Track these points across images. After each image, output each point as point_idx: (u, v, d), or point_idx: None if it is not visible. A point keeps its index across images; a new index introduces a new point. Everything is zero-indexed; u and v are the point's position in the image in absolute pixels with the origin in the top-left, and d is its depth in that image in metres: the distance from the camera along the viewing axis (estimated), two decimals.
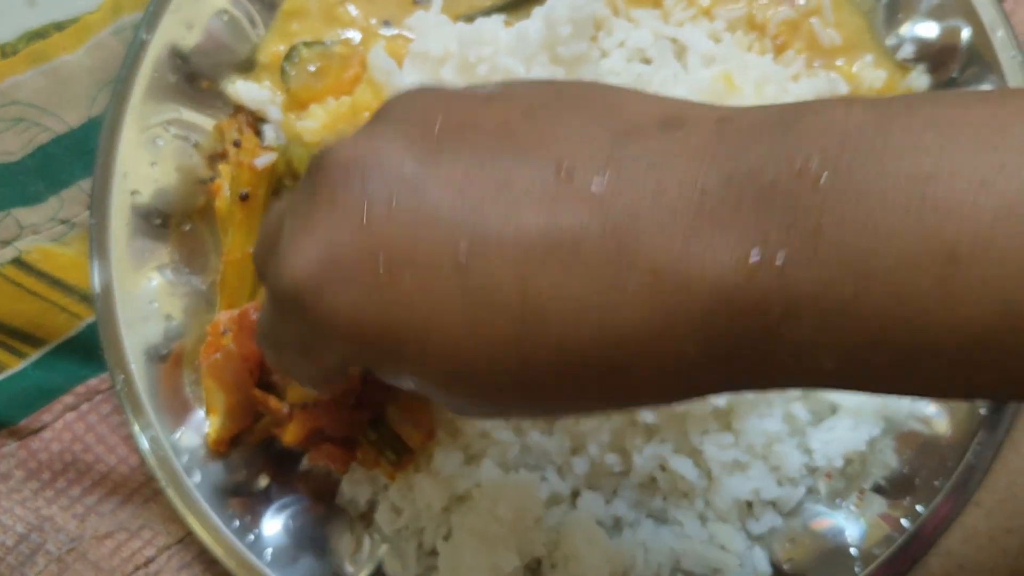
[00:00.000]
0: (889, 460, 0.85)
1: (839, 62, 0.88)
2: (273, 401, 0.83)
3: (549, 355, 0.44)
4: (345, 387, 0.81)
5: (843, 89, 0.87)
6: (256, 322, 0.71)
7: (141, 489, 0.92)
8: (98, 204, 0.86)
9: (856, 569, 0.83)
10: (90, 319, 0.90)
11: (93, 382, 0.92)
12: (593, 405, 0.52)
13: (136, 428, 0.85)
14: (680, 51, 0.87)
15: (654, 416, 0.83)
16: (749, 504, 0.87)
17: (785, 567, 0.86)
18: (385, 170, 0.45)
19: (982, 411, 0.82)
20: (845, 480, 0.87)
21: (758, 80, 0.84)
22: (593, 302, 0.43)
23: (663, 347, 0.44)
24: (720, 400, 0.80)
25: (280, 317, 0.52)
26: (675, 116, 0.46)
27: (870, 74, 0.87)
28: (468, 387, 0.47)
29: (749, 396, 0.82)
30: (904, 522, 0.83)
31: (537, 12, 0.83)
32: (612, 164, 0.43)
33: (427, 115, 0.47)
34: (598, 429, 0.85)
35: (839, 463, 0.85)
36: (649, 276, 0.43)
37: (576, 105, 0.47)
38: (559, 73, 0.81)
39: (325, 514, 0.89)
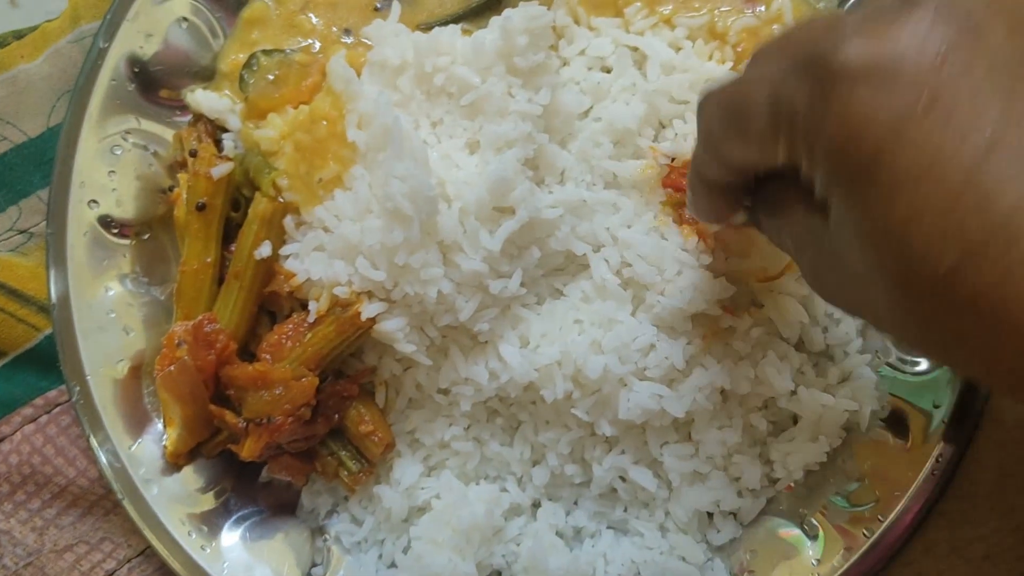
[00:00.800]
0: (850, 471, 0.85)
1: None
2: (229, 416, 0.82)
3: (989, 277, 0.45)
4: (304, 401, 0.81)
5: None
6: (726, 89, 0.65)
7: (102, 501, 0.92)
8: (55, 214, 0.86)
9: None
10: (49, 331, 0.89)
11: (52, 394, 0.91)
12: (988, 360, 0.49)
13: (93, 441, 0.84)
14: (641, 59, 0.87)
15: (613, 428, 0.82)
16: (710, 515, 0.87)
17: None
18: (987, 36, 0.47)
19: (943, 422, 0.82)
20: (807, 491, 0.86)
21: None
22: None
23: None
24: (679, 411, 0.79)
25: (786, 74, 0.53)
26: None
27: None
28: (899, 253, 0.48)
29: (709, 406, 0.81)
30: (865, 533, 0.83)
31: (494, 22, 0.82)
32: None
33: None
34: (557, 440, 0.84)
35: (799, 475, 0.85)
36: None
37: None
38: (516, 84, 0.81)
39: (284, 525, 0.89)
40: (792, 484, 0.86)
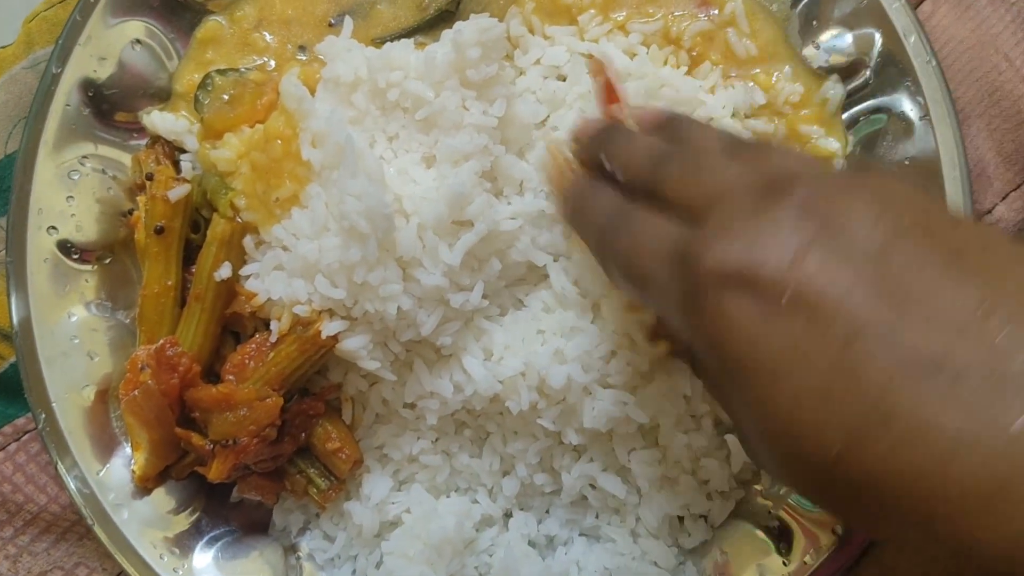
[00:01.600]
0: None
1: (755, 71, 0.88)
2: (196, 438, 0.82)
3: (873, 458, 0.47)
4: (270, 421, 0.81)
5: (760, 99, 0.86)
6: (575, 198, 0.73)
7: (75, 527, 0.92)
8: (14, 242, 0.85)
9: None
10: (14, 359, 0.88)
11: (20, 421, 0.91)
12: (887, 528, 0.52)
13: (61, 467, 0.84)
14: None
15: (580, 437, 0.83)
16: (681, 519, 0.87)
17: None
18: (843, 232, 0.50)
19: None
20: (776, 490, 0.87)
21: (672, 100, 0.84)
22: (945, 435, 0.45)
23: (985, 511, 0.45)
24: (643, 417, 0.80)
25: (660, 270, 0.58)
26: None
27: (788, 87, 0.86)
28: (786, 443, 0.51)
29: (673, 412, 0.81)
30: (835, 530, 0.83)
31: (445, 35, 0.82)
32: None
33: (904, 206, 0.52)
34: (526, 450, 0.85)
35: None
36: (1008, 440, 0.44)
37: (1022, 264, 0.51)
38: (470, 96, 0.81)
39: (257, 544, 0.89)
40: (759, 488, 0.87)
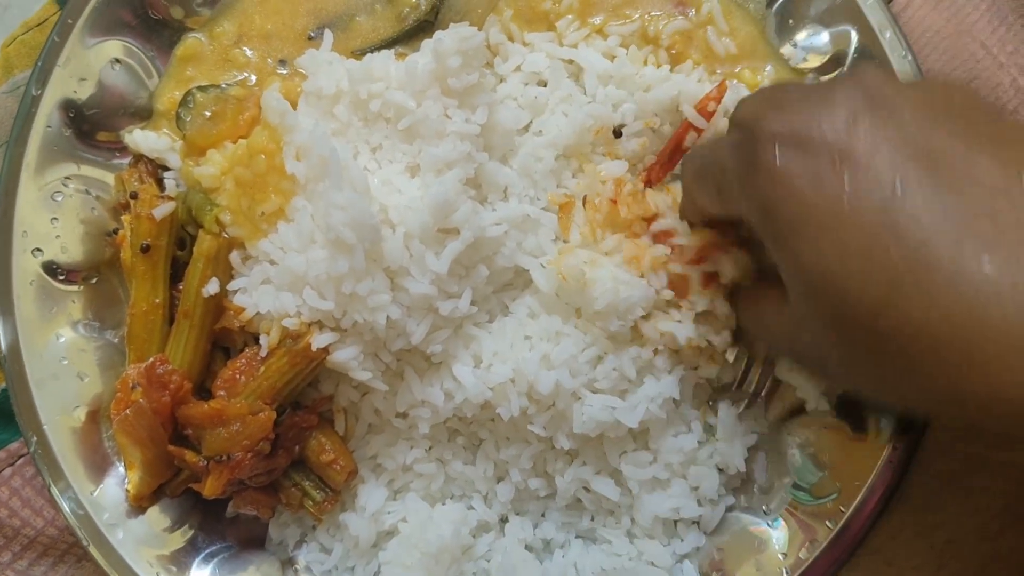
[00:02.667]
0: (809, 464, 0.86)
1: (739, 69, 0.88)
2: (189, 455, 0.82)
3: (915, 306, 0.50)
4: (263, 435, 0.81)
5: (744, 95, 0.87)
6: (695, 148, 0.81)
7: (73, 549, 0.91)
8: None
9: (785, 573, 0.84)
10: (5, 384, 0.88)
11: (14, 446, 0.90)
12: (924, 389, 0.54)
13: (54, 490, 0.84)
14: (577, 72, 0.87)
15: (571, 442, 0.83)
16: (675, 523, 0.87)
17: None
18: (893, 107, 0.55)
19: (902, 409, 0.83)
20: (769, 486, 0.87)
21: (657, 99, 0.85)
22: (986, 283, 0.49)
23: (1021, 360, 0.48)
24: (632, 421, 0.80)
25: (725, 149, 0.63)
26: None
27: None
28: (832, 292, 0.54)
29: (662, 415, 0.82)
30: (829, 524, 0.84)
31: (426, 45, 0.82)
32: None
33: (951, 97, 0.57)
34: (519, 455, 0.85)
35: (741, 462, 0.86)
36: None
37: None
38: (451, 105, 0.81)
39: (254, 559, 0.89)
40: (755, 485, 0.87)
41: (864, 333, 0.54)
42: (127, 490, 0.85)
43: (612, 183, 0.83)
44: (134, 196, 0.85)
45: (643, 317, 0.81)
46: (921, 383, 0.54)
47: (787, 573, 0.84)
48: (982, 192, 0.52)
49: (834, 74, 0.87)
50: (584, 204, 0.83)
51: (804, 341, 0.63)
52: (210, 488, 0.81)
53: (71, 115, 0.87)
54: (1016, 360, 0.49)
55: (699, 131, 0.83)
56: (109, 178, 0.89)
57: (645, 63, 0.88)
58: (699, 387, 0.85)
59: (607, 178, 0.84)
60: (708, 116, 0.83)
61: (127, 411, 0.81)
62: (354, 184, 0.77)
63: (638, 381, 0.81)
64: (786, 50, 0.88)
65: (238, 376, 0.82)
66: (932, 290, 0.50)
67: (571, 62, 0.87)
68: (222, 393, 0.82)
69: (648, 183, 0.85)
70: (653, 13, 0.88)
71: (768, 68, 0.88)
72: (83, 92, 0.87)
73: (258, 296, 0.82)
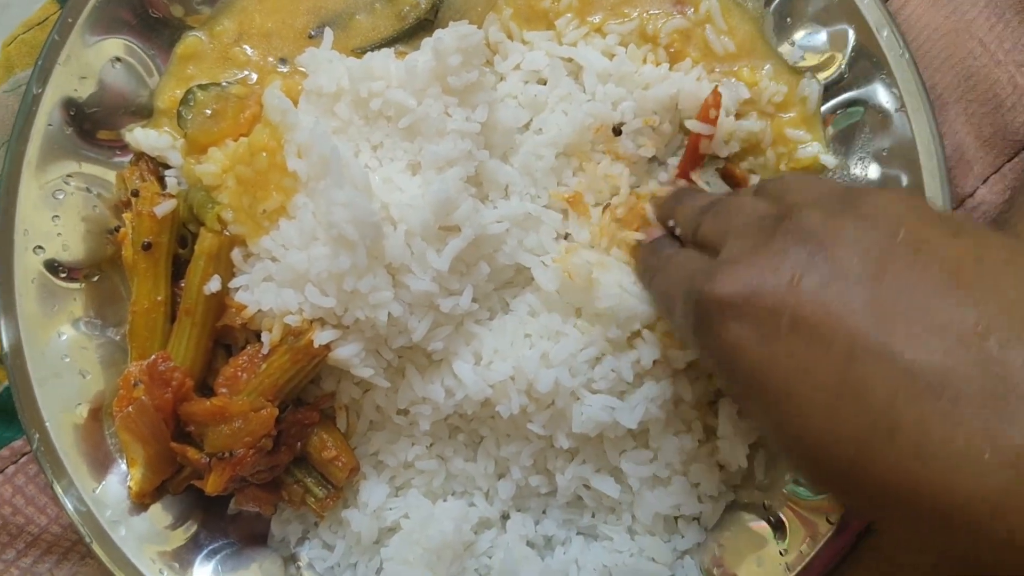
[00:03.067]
0: None
1: (738, 67, 0.89)
2: (192, 452, 0.82)
3: (882, 469, 0.50)
4: (265, 432, 0.81)
5: (745, 95, 0.87)
6: (645, 252, 0.81)
7: (76, 546, 0.92)
8: (1, 263, 0.85)
9: (785, 569, 0.84)
10: (7, 382, 0.88)
11: (17, 444, 0.91)
12: (902, 530, 0.55)
13: (57, 487, 0.84)
14: (576, 70, 0.88)
15: (571, 441, 0.83)
16: (675, 520, 0.88)
17: (716, 572, 0.87)
18: (835, 256, 0.53)
19: None
20: (769, 483, 0.88)
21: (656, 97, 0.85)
22: (949, 450, 0.48)
23: (991, 520, 0.47)
24: (632, 422, 0.81)
25: (679, 300, 0.63)
26: None
27: (772, 87, 0.87)
28: (801, 452, 0.54)
29: (661, 416, 0.82)
30: (829, 520, 0.84)
31: (426, 44, 0.83)
32: None
33: (897, 223, 0.55)
34: (519, 453, 0.85)
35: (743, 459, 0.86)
36: (1012, 455, 0.47)
37: (1017, 273, 0.52)
38: (452, 103, 0.81)
39: (257, 556, 0.89)
40: (755, 482, 0.87)
41: (839, 484, 0.54)
42: (129, 487, 0.85)
43: (631, 195, 0.85)
44: (135, 194, 0.85)
45: (640, 336, 0.82)
46: (903, 529, 0.54)
47: (787, 569, 0.84)
48: (942, 347, 0.50)
49: (830, 77, 0.88)
50: (604, 211, 0.84)
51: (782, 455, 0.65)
52: (212, 485, 0.82)
53: (72, 113, 0.87)
54: (986, 522, 0.48)
55: (709, 137, 0.84)
56: (110, 176, 0.89)
57: (644, 61, 0.88)
58: (698, 387, 0.85)
59: (609, 175, 0.84)
60: (713, 121, 0.83)
61: (129, 408, 0.82)
62: (355, 182, 0.77)
63: (637, 383, 0.82)
64: (784, 48, 0.89)
65: (240, 373, 0.82)
66: (898, 455, 0.49)
67: (570, 60, 0.88)
68: (224, 390, 0.82)
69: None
70: (652, 11, 0.89)
71: (767, 67, 0.89)
72: (84, 90, 0.87)
73: (260, 293, 0.82)
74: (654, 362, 0.81)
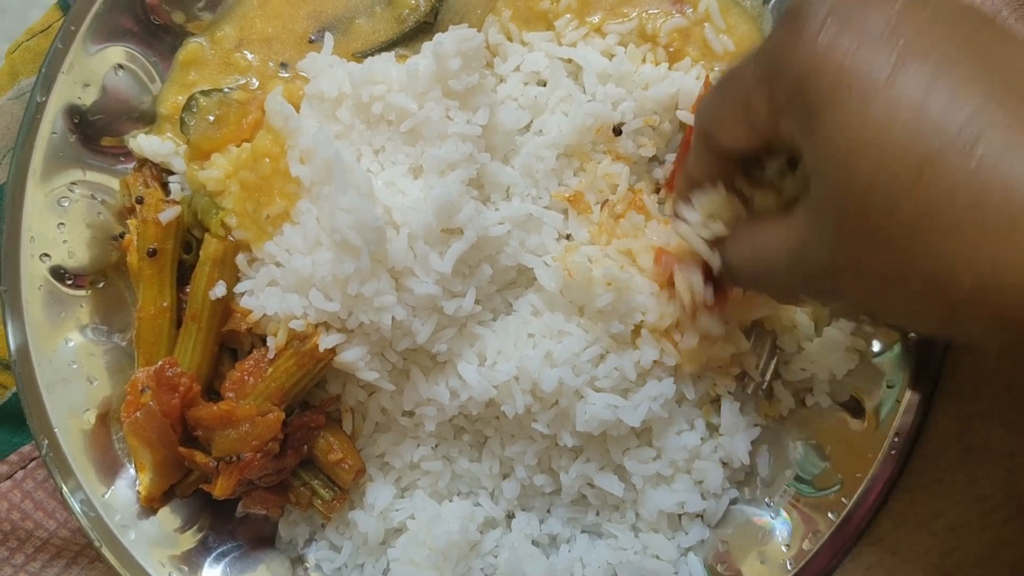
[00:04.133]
0: (812, 457, 0.87)
1: None
2: (199, 456, 0.83)
3: (959, 170, 0.49)
4: (272, 436, 0.82)
5: None
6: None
7: (86, 550, 0.93)
8: (7, 271, 0.86)
9: (788, 565, 0.85)
10: (16, 388, 0.89)
11: (26, 449, 0.92)
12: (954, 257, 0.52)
13: (66, 491, 0.85)
14: (576, 70, 0.88)
15: (575, 439, 0.84)
16: (679, 517, 0.88)
17: (720, 569, 0.87)
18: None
19: (897, 400, 0.83)
20: (772, 479, 0.88)
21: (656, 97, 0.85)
22: None
23: None
24: (635, 420, 0.81)
25: (775, 32, 0.60)
26: None
27: None
28: (873, 154, 0.52)
29: (664, 414, 0.83)
30: (831, 515, 0.85)
31: (426, 47, 0.83)
32: None
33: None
34: (524, 452, 0.86)
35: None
36: None
37: None
38: (453, 106, 0.82)
39: (265, 558, 0.90)
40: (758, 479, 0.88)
41: (901, 192, 0.52)
42: (138, 491, 0.86)
43: (629, 190, 0.85)
44: (140, 201, 0.85)
45: (640, 335, 0.83)
46: (930, 269, 0.53)
47: (791, 564, 0.85)
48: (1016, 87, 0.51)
49: None
50: (603, 208, 0.85)
51: (810, 259, 0.61)
52: (220, 488, 0.82)
53: (76, 121, 0.87)
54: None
55: None
56: (114, 183, 0.90)
57: (644, 61, 0.89)
58: (701, 385, 0.86)
59: (609, 175, 0.85)
60: None
61: (137, 414, 0.82)
62: (358, 187, 0.78)
63: (640, 381, 0.82)
64: None
65: (246, 377, 0.83)
66: (968, 170, 0.49)
67: (570, 61, 0.88)
68: (231, 395, 0.83)
69: (671, 190, 0.86)
70: (651, 11, 0.89)
71: None
72: (87, 98, 0.88)
73: (265, 298, 0.83)
74: (654, 361, 0.82)
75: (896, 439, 0.83)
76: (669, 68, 0.88)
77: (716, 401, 0.87)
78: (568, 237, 0.87)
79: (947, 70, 0.52)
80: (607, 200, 0.87)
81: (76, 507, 0.85)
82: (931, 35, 0.53)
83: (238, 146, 0.87)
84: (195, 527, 0.89)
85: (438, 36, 0.82)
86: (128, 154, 0.90)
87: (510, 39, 0.89)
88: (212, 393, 0.86)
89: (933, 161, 0.51)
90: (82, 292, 0.89)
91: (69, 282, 0.88)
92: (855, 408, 0.86)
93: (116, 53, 0.88)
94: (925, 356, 0.82)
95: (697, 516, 0.88)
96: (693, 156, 0.74)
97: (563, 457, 0.86)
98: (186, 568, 0.87)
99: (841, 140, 0.54)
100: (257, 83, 0.89)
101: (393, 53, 0.87)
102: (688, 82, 0.87)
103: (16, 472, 0.92)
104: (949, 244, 0.51)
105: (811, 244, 0.60)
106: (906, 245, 0.53)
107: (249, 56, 0.90)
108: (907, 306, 0.57)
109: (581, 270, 0.79)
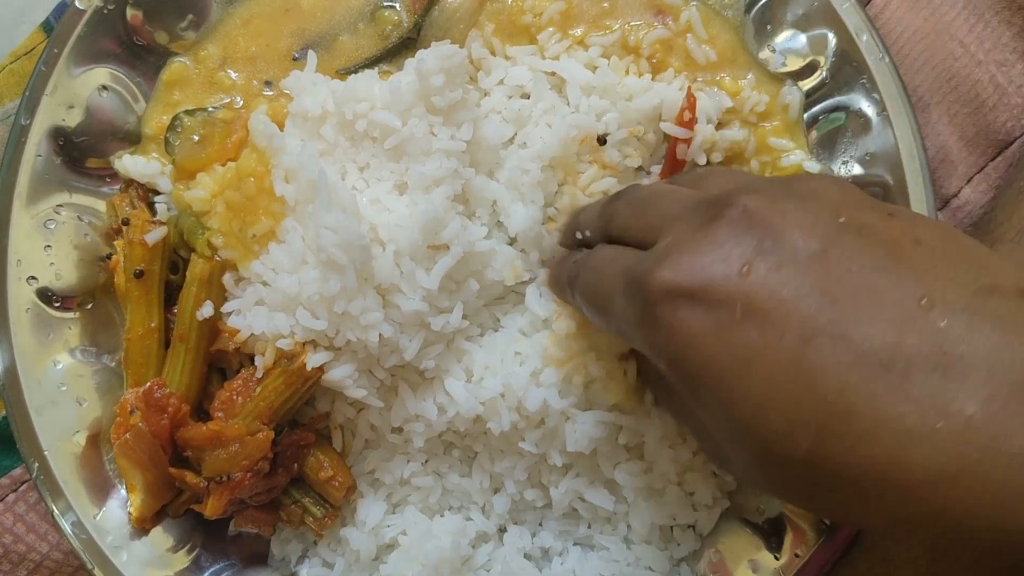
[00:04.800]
0: None
1: (720, 76, 0.89)
2: (190, 477, 0.83)
3: (840, 452, 0.50)
4: (261, 455, 0.82)
5: (727, 104, 0.88)
6: (555, 266, 0.79)
7: (78, 572, 0.92)
8: None
9: (780, 573, 0.85)
10: (5, 412, 0.89)
11: (17, 472, 0.92)
12: (861, 518, 0.54)
13: (57, 513, 0.85)
14: (560, 83, 0.88)
15: (564, 458, 0.84)
16: (671, 528, 0.88)
17: None
18: (784, 239, 0.53)
19: None
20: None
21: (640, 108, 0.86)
22: (904, 425, 0.49)
23: (949, 493, 0.48)
24: (627, 437, 0.81)
25: (617, 294, 0.61)
26: None
27: (754, 97, 0.88)
28: (755, 442, 0.53)
29: (660, 427, 0.83)
30: (823, 522, 0.85)
31: (408, 64, 0.83)
32: (967, 312, 0.50)
33: (837, 206, 0.56)
34: (513, 467, 0.86)
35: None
36: (962, 424, 0.48)
37: (952, 251, 0.54)
38: (436, 122, 0.82)
39: None
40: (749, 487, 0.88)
41: (793, 474, 0.53)
42: (130, 512, 0.86)
43: None
44: (126, 222, 0.85)
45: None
46: (860, 517, 0.54)
47: (782, 573, 0.85)
48: (890, 325, 0.50)
49: (811, 82, 0.89)
50: None
51: (725, 459, 0.61)
52: (211, 508, 0.82)
53: (61, 143, 0.87)
54: (945, 497, 0.49)
55: (687, 141, 0.84)
56: (101, 205, 0.90)
57: (627, 72, 0.89)
58: None
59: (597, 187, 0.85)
60: (689, 124, 0.84)
61: (127, 435, 0.82)
62: (343, 204, 0.78)
63: (634, 399, 0.83)
64: (764, 54, 0.89)
65: (235, 397, 0.83)
66: (856, 436, 0.50)
67: (553, 74, 0.88)
68: (220, 414, 0.83)
69: None
70: (633, 23, 0.89)
71: (749, 76, 0.89)
72: (72, 120, 0.88)
73: (252, 317, 0.83)
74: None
75: None
76: (652, 79, 0.89)
77: None
78: None
79: (811, 339, 0.51)
80: None
81: (67, 529, 0.85)
82: (784, 296, 0.52)
83: (223, 165, 0.87)
84: (187, 547, 0.88)
85: (420, 53, 0.82)
86: (114, 175, 0.90)
87: (493, 53, 0.89)
88: (201, 413, 0.86)
89: (820, 436, 0.51)
90: (70, 314, 0.89)
91: (57, 304, 0.88)
92: None
93: (100, 74, 0.88)
94: None
95: (689, 527, 0.88)
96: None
97: (552, 472, 0.86)
98: None
99: (722, 420, 0.55)
100: (242, 102, 0.90)
101: (377, 70, 0.88)
102: (671, 93, 0.87)
103: (8, 495, 0.92)
104: (872, 505, 0.51)
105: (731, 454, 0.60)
106: (828, 499, 0.54)
107: (233, 75, 0.90)
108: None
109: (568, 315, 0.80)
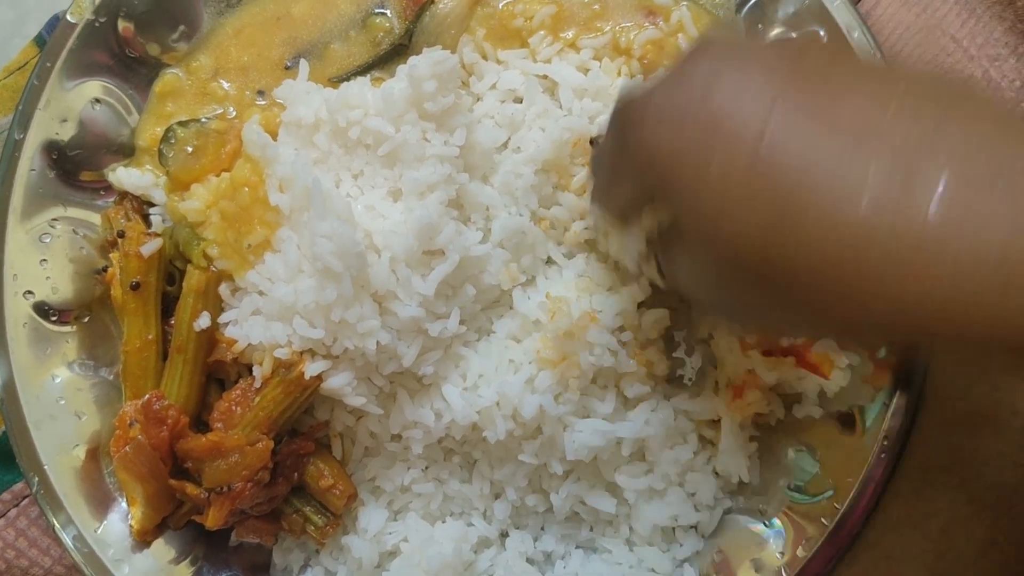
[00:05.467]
0: (804, 464, 0.87)
1: None
2: (190, 488, 0.83)
3: (797, 245, 0.51)
4: (261, 465, 0.81)
5: None
6: (595, 151, 0.82)
7: None
8: None
9: (783, 572, 0.85)
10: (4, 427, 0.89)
11: (18, 487, 0.91)
12: (822, 319, 0.56)
13: (58, 527, 0.85)
14: (552, 87, 0.88)
15: (564, 466, 0.84)
16: (673, 529, 0.88)
17: None
18: (751, 61, 0.55)
19: (884, 404, 0.83)
20: (764, 487, 0.88)
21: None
22: (861, 217, 0.49)
23: (905, 283, 0.49)
24: (627, 445, 0.81)
25: (614, 141, 0.65)
26: None
27: None
28: (719, 241, 0.55)
29: (662, 429, 0.83)
30: (824, 521, 0.85)
31: (400, 71, 0.83)
32: (934, 118, 0.51)
33: (800, 45, 0.60)
34: (513, 474, 0.86)
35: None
36: (920, 217, 0.48)
37: (925, 75, 0.56)
38: (430, 128, 0.82)
39: None
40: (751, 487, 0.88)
41: (752, 275, 0.55)
42: (131, 525, 0.86)
43: None
44: (121, 235, 0.85)
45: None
46: (813, 318, 0.55)
47: (785, 571, 0.85)
48: (851, 131, 0.51)
49: None
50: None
51: (708, 284, 0.63)
52: (212, 519, 0.82)
53: (54, 157, 0.88)
54: (894, 288, 0.50)
55: None
56: (96, 217, 0.90)
57: (619, 74, 0.89)
58: (697, 403, 0.86)
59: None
60: None
61: (126, 448, 0.82)
62: (338, 212, 0.78)
63: (632, 404, 0.84)
64: None
65: (234, 408, 0.83)
66: (807, 232, 0.51)
67: (545, 77, 0.88)
68: (219, 425, 0.83)
69: None
70: (624, 24, 0.89)
71: None
72: (65, 133, 0.88)
73: (249, 327, 0.83)
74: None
75: (885, 443, 0.83)
76: (644, 80, 0.89)
77: (716, 421, 0.87)
78: (547, 260, 0.87)
79: (769, 136, 0.52)
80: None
81: (69, 543, 0.85)
82: (744, 98, 0.54)
83: (217, 176, 0.87)
84: (189, 558, 0.88)
85: (412, 59, 0.82)
86: (108, 188, 0.90)
87: (485, 57, 0.89)
88: (200, 424, 0.86)
89: (773, 230, 0.52)
90: (67, 328, 0.89)
91: (54, 318, 0.88)
92: (844, 415, 0.86)
93: (93, 87, 0.88)
94: (910, 360, 0.82)
95: (691, 528, 0.88)
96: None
97: (553, 478, 0.86)
98: None
99: (688, 217, 0.57)
100: (235, 112, 0.90)
101: (369, 77, 0.88)
102: None
103: (9, 510, 0.92)
104: (826, 304, 0.53)
105: (705, 276, 0.62)
106: (785, 303, 0.56)
107: (225, 85, 0.90)
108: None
109: (562, 314, 0.80)
